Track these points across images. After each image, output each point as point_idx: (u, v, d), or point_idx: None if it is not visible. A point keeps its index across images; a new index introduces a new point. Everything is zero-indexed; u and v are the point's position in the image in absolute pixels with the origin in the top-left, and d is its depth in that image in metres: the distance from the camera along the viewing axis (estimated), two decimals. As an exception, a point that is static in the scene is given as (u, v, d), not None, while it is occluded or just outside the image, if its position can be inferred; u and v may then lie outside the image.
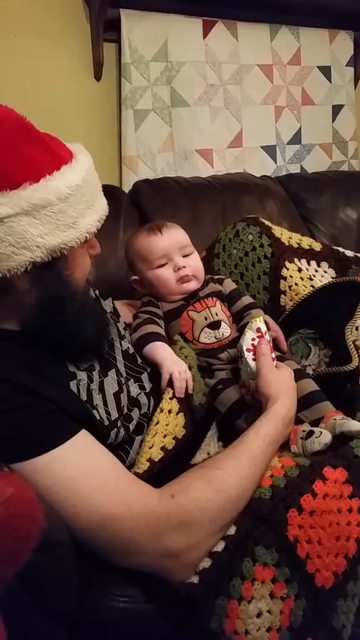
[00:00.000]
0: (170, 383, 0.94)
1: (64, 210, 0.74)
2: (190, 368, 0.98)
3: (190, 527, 0.72)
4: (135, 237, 1.17)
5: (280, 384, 0.93)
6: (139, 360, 0.99)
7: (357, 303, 1.13)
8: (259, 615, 0.72)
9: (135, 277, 1.18)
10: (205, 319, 1.09)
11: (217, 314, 1.10)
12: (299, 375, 1.04)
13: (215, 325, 1.09)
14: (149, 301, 1.14)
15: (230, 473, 0.77)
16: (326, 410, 0.98)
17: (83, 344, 0.83)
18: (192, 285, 1.12)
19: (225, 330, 1.09)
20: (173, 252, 1.11)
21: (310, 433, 0.90)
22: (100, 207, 0.82)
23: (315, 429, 0.91)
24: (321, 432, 0.89)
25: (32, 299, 0.78)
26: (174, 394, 0.91)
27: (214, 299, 1.12)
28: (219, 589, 0.71)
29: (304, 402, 1.00)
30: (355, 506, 0.81)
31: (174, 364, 0.97)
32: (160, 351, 1.01)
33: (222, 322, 1.09)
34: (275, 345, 1.11)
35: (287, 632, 0.73)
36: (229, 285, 1.19)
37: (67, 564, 0.68)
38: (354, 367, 1.03)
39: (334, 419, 0.93)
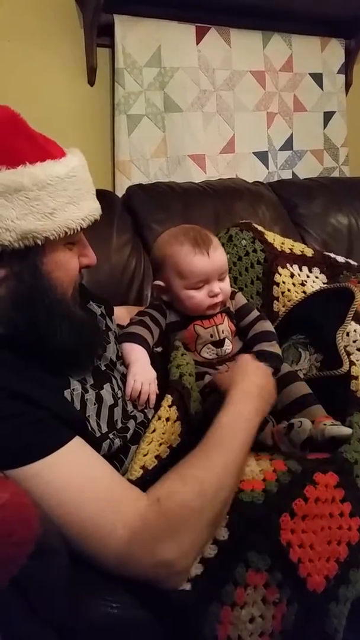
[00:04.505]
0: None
1: (40, 197, 0.74)
2: (189, 375, 0.97)
3: (179, 532, 0.72)
4: (177, 247, 1.07)
5: (227, 375, 0.94)
6: None
7: (347, 309, 1.15)
8: (251, 620, 0.72)
9: (160, 284, 1.10)
10: (211, 336, 1.07)
11: (223, 332, 1.08)
12: (291, 378, 1.05)
13: (219, 343, 1.07)
14: (157, 305, 1.12)
15: (203, 471, 0.77)
16: (317, 414, 0.98)
17: (63, 353, 0.80)
18: (218, 309, 1.09)
19: (228, 347, 1.08)
20: (213, 277, 1.06)
21: (290, 426, 0.91)
22: (87, 208, 0.81)
23: (293, 420, 0.91)
24: (301, 422, 0.90)
25: (5, 290, 0.77)
26: (173, 401, 0.90)
27: (223, 315, 1.10)
28: (212, 595, 0.71)
29: (296, 405, 1.00)
30: (347, 510, 0.82)
31: (143, 373, 0.96)
32: (135, 353, 1.00)
33: (226, 339, 1.08)
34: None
35: (280, 636, 0.74)
36: (240, 300, 1.16)
37: (61, 570, 0.68)
38: (345, 371, 1.04)
39: (324, 424, 0.93)
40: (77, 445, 0.75)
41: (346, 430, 0.90)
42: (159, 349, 1.09)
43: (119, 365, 0.98)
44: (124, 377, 0.98)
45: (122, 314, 1.21)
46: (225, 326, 1.09)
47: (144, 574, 0.71)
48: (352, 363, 1.05)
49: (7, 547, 0.55)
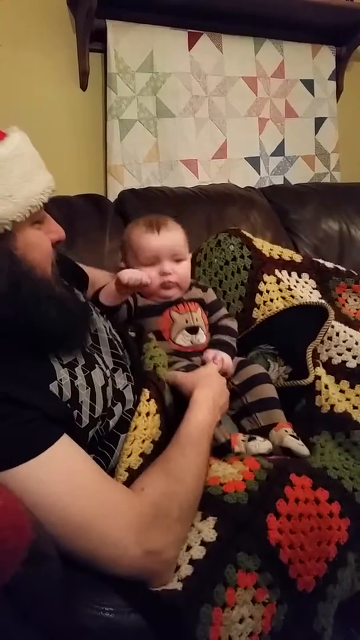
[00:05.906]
0: None
1: None
2: (163, 366, 0.98)
3: (164, 520, 0.75)
4: (133, 227, 1.15)
5: (193, 377, 0.98)
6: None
7: (321, 323, 1.18)
8: (241, 621, 0.73)
9: (121, 265, 1.15)
10: (186, 321, 1.09)
11: (197, 319, 1.11)
12: (263, 378, 1.09)
13: (193, 330, 1.10)
14: None
15: (181, 464, 0.82)
16: (279, 418, 1.03)
17: (52, 336, 0.80)
18: (173, 293, 1.11)
19: (202, 337, 1.10)
20: (164, 255, 1.10)
21: (253, 438, 0.97)
22: (43, 182, 0.80)
23: (256, 436, 0.98)
24: (264, 440, 0.97)
25: None
26: (151, 394, 0.90)
27: (196, 304, 1.13)
28: (203, 597, 0.71)
29: (262, 404, 1.06)
30: (336, 510, 0.83)
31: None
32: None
33: (200, 329, 1.11)
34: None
35: (269, 636, 0.74)
36: (211, 295, 1.20)
37: (53, 576, 0.68)
38: (310, 382, 1.09)
39: (286, 431, 0.99)
40: (65, 443, 0.75)
41: (304, 451, 0.95)
42: (132, 334, 1.09)
43: (102, 333, 0.97)
44: (111, 342, 0.97)
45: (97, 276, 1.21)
46: (199, 315, 1.12)
47: (135, 565, 0.72)
48: (317, 377, 1.09)
49: (0, 554, 0.55)
